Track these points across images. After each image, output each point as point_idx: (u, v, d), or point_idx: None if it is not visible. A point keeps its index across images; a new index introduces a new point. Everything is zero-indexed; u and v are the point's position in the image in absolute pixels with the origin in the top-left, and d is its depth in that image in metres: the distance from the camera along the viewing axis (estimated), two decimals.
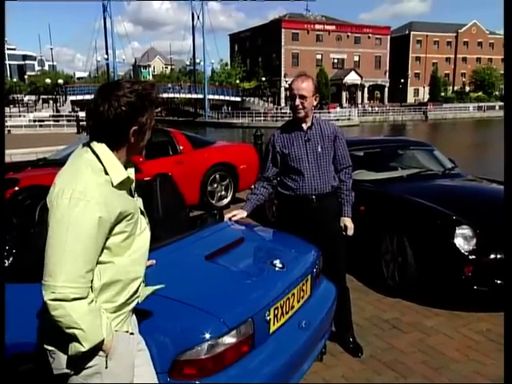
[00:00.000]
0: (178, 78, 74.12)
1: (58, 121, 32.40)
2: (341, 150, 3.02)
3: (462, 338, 3.33)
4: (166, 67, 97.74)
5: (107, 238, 1.45)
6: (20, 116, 36.27)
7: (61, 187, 1.40)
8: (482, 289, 3.53)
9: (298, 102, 2.83)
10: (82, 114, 28.37)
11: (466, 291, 3.64)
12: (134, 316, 1.66)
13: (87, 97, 46.56)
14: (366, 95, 71.18)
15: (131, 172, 1.59)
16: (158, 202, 2.80)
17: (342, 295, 2.93)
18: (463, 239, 3.58)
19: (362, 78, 68.10)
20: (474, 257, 3.54)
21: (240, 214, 2.98)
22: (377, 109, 57.99)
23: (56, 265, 1.35)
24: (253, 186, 3.24)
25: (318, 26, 69.51)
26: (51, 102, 43.44)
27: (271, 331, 2.12)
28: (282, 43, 67.04)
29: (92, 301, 1.41)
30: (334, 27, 70.79)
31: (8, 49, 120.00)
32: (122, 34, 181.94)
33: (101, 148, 1.47)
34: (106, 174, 1.45)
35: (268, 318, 2.08)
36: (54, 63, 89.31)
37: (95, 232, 1.38)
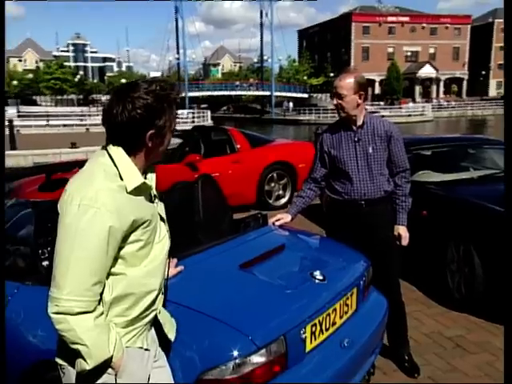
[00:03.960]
0: (246, 75, 74.89)
1: None
2: (396, 151, 2.73)
3: None
4: (235, 65, 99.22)
5: (121, 247, 1.36)
6: (98, 115, 38.63)
7: (71, 193, 1.33)
8: None
9: (335, 101, 2.65)
10: None
11: None
12: (152, 330, 1.56)
13: None
14: (441, 89, 67.49)
15: (151, 177, 1.50)
16: (199, 205, 2.71)
17: (395, 309, 2.69)
18: None
19: (437, 70, 64.61)
20: None
21: (284, 218, 2.82)
22: (453, 103, 54.61)
23: (61, 276, 1.28)
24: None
25: (390, 18, 66.95)
26: None
27: (307, 350, 1.94)
28: (352, 37, 65.36)
29: (100, 315, 1.33)
30: (407, 18, 67.81)
31: (91, 52, 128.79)
32: (194, 33, 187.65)
33: (117, 152, 1.39)
34: (121, 179, 1.36)
35: (304, 335, 1.91)
36: (131, 64, 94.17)
37: (105, 242, 1.29)
